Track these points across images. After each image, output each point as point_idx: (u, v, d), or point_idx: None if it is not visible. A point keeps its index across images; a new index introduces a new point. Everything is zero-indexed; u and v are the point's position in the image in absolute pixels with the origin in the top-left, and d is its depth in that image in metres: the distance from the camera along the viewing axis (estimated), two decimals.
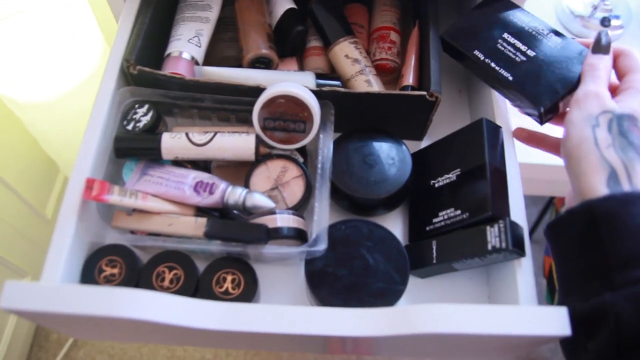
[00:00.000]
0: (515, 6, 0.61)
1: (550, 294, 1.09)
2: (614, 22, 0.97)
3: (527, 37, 0.58)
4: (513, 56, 0.57)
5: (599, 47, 0.52)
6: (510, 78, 0.56)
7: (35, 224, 1.27)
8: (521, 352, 0.53)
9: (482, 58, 0.58)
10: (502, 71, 0.57)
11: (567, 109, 0.53)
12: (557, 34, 0.57)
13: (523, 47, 0.57)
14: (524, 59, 0.57)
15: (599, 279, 0.42)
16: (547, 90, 0.54)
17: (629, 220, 0.41)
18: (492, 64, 0.57)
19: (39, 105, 1.07)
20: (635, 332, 0.38)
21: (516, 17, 0.59)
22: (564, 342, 0.45)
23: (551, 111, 0.54)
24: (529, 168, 0.83)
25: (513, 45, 0.58)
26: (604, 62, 0.51)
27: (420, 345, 0.54)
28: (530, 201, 1.79)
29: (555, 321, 0.44)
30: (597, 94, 0.48)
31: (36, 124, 1.14)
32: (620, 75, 0.52)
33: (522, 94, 0.55)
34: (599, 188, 0.43)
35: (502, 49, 0.58)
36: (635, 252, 0.40)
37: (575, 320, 0.43)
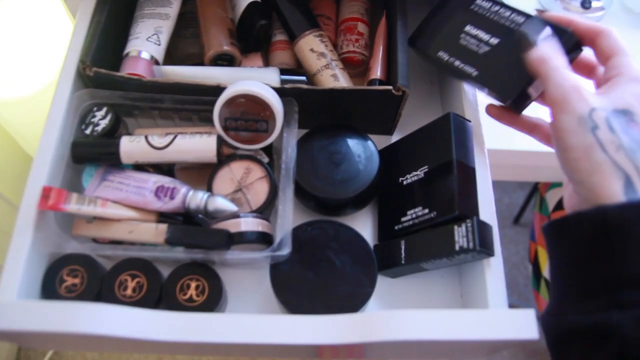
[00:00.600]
0: None
1: (536, 280, 1.09)
2: (594, 4, 0.95)
3: (490, 24, 0.55)
4: (476, 48, 0.55)
5: (524, 42, 0.47)
6: (474, 73, 0.54)
7: (14, 219, 1.25)
8: (497, 351, 0.52)
9: (446, 59, 0.57)
10: (466, 67, 0.55)
11: (537, 93, 0.51)
12: (521, 13, 0.53)
13: (486, 37, 0.55)
14: (487, 49, 0.54)
15: (604, 293, 0.37)
16: (512, 78, 0.51)
17: None
18: (456, 62, 0.56)
19: (14, 102, 1.05)
20: None
21: (479, 5, 0.56)
22: (553, 353, 0.42)
23: (521, 100, 0.52)
24: (512, 155, 0.82)
25: (476, 37, 0.55)
26: (551, 47, 0.46)
27: (411, 347, 0.53)
28: (517, 185, 1.79)
29: (522, 325, 0.44)
30: (576, 89, 0.42)
31: (11, 121, 1.12)
32: (602, 59, 0.47)
33: (488, 87, 0.53)
34: (615, 195, 0.38)
35: (465, 43, 0.56)
36: None
37: (571, 334, 0.39)
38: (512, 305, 0.42)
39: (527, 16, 0.53)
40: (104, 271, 0.53)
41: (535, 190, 1.57)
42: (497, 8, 0.55)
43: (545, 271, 1.07)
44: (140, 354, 1.41)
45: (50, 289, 0.51)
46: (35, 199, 0.50)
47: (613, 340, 0.35)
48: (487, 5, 0.56)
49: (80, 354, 1.41)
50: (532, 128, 0.53)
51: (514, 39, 0.51)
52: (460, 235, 0.49)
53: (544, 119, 0.52)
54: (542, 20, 0.50)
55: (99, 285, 0.52)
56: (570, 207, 0.45)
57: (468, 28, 0.56)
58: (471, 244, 0.48)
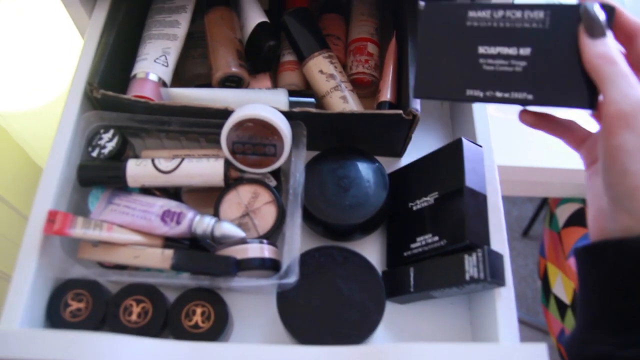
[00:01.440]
0: (463, 8, 0.45)
1: (545, 296, 1.08)
2: None
3: (506, 34, 0.44)
4: (510, 68, 0.44)
5: (595, 26, 0.39)
6: (529, 97, 0.43)
7: (24, 230, 1.25)
8: None
9: (482, 95, 0.44)
10: (514, 94, 0.43)
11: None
12: (536, 7, 0.43)
13: (512, 51, 0.43)
14: (524, 63, 0.43)
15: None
16: (578, 82, 0.41)
17: None
18: (498, 94, 0.44)
19: (24, 114, 1.06)
20: None
21: (475, 18, 0.45)
22: None
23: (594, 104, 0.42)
24: (523, 171, 0.81)
25: (500, 56, 0.44)
26: (614, 47, 0.39)
27: None
28: (526, 197, 1.77)
29: (534, 359, 0.43)
30: None
31: (22, 132, 1.12)
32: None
33: (555, 105, 0.43)
34: None
35: (492, 68, 0.44)
36: None
37: None
38: (520, 320, 0.41)
39: (548, 7, 0.43)
40: (109, 295, 0.53)
41: (545, 204, 1.55)
42: (501, 13, 0.44)
43: (555, 288, 1.06)
44: None
45: (54, 313, 0.51)
46: (41, 222, 0.50)
47: None
48: (485, 14, 0.44)
49: None
50: (563, 131, 0.46)
51: (550, 37, 0.42)
52: (471, 265, 0.48)
53: (576, 120, 0.46)
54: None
55: (104, 310, 0.51)
56: (600, 229, 0.41)
57: (482, 50, 0.44)
58: (482, 274, 0.47)
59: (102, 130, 0.56)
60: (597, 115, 0.44)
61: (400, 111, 0.55)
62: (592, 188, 0.43)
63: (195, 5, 0.65)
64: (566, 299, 1.02)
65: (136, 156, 0.58)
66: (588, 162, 0.45)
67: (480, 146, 0.55)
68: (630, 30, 0.40)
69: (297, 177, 0.54)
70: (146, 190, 0.56)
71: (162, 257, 0.51)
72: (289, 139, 0.54)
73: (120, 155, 0.56)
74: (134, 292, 0.52)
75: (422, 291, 0.51)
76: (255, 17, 0.63)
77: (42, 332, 0.44)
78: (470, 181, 0.51)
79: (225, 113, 0.54)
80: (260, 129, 0.53)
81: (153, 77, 0.59)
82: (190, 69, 0.65)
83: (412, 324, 0.56)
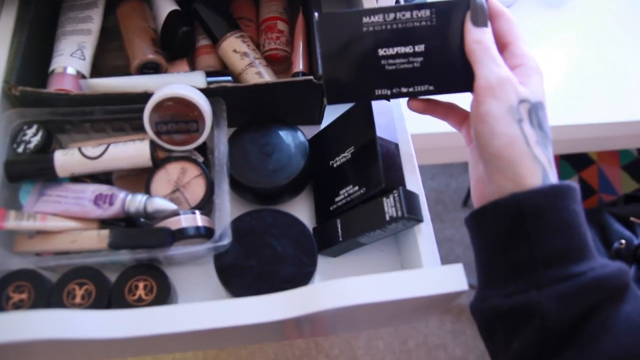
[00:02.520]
0: (356, 15, 0.49)
1: None
2: None
3: (400, 35, 0.49)
4: (409, 65, 0.49)
5: (479, 16, 0.47)
6: (430, 87, 0.50)
7: None
8: (441, 308, 0.55)
9: (389, 92, 0.51)
10: (417, 87, 0.50)
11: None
12: (422, 7, 0.48)
13: (408, 49, 0.49)
14: (421, 59, 0.49)
15: (523, 276, 0.41)
16: (466, 70, 0.47)
17: (556, 216, 0.40)
18: (404, 90, 0.50)
19: None
20: (561, 330, 0.38)
21: (369, 23, 0.48)
22: (483, 336, 0.45)
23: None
24: (440, 137, 0.87)
25: (398, 55, 0.49)
26: (490, 36, 0.46)
27: (360, 317, 0.55)
28: (463, 168, 1.85)
29: (453, 279, 0.47)
30: (510, 80, 0.43)
31: None
32: (501, 43, 0.47)
33: (451, 91, 0.51)
34: (536, 184, 0.41)
35: (394, 67, 0.49)
36: (561, 249, 0.40)
37: (495, 316, 0.42)
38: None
39: (432, 5, 0.48)
40: (50, 284, 0.54)
41: None
42: (392, 16, 0.48)
43: None
44: None
45: None
46: None
47: (535, 317, 0.39)
48: (378, 19, 0.48)
49: None
50: (446, 113, 0.53)
51: (438, 32, 0.48)
52: (389, 205, 0.52)
53: (456, 103, 0.53)
54: None
55: (47, 297, 0.53)
56: (479, 195, 0.48)
57: (382, 52, 0.49)
58: (399, 213, 0.51)
59: (25, 127, 0.57)
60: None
61: (311, 77, 0.59)
62: (472, 161, 0.50)
63: (107, 0, 0.67)
64: None
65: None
66: (468, 140, 0.52)
67: (388, 100, 0.59)
68: (493, 11, 0.48)
69: (221, 149, 0.57)
70: (77, 180, 0.58)
71: (98, 238, 0.53)
72: (209, 114, 0.57)
73: (46, 149, 0.57)
74: (75, 277, 0.54)
75: (349, 239, 0.55)
76: (166, 6, 0.66)
77: None
78: (380, 131, 0.56)
79: (146, 97, 0.57)
80: (180, 107, 0.56)
81: (71, 70, 0.60)
82: (109, 61, 0.67)
83: (346, 273, 0.60)
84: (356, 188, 0.56)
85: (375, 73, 0.50)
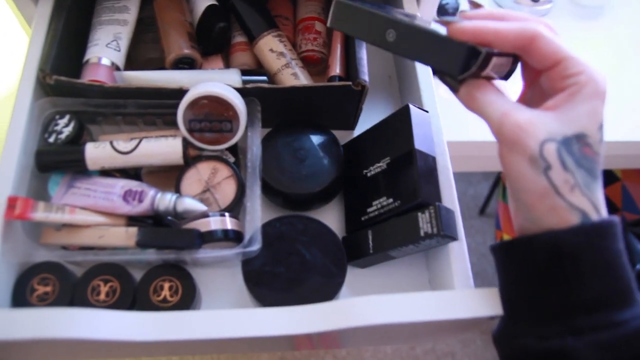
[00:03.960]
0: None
1: None
2: None
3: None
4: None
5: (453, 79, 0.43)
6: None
7: None
8: (468, 330, 0.54)
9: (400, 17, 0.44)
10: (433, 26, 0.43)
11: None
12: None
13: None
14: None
15: (559, 319, 0.38)
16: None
17: (598, 257, 0.37)
18: (417, 22, 0.43)
19: None
20: None
21: None
22: None
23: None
24: (471, 146, 0.85)
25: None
26: (476, 76, 0.41)
27: (381, 334, 0.54)
28: (481, 176, 1.83)
29: (487, 302, 0.46)
30: (519, 125, 0.38)
31: None
32: (543, 66, 0.40)
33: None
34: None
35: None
36: (602, 293, 0.37)
37: (526, 355, 0.40)
38: None
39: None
40: (75, 278, 0.53)
41: (499, 180, 1.61)
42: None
43: None
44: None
45: (21, 298, 0.51)
46: (0, 210, 0.50)
47: None
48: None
49: None
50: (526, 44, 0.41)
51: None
52: (424, 221, 0.51)
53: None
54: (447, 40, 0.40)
55: (72, 291, 0.52)
56: (519, 226, 0.43)
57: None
58: (435, 229, 0.50)
59: (57, 116, 0.56)
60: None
61: (350, 82, 0.57)
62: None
63: None
64: None
65: (94, 141, 0.58)
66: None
67: (427, 111, 0.58)
68: (520, 41, 0.39)
69: (254, 150, 0.56)
70: (106, 173, 0.57)
71: (126, 235, 0.52)
72: (244, 115, 0.56)
73: (77, 140, 0.56)
74: (100, 273, 0.53)
75: (380, 252, 0.54)
76: (203, 0, 0.64)
77: (12, 311, 0.44)
78: (418, 144, 0.54)
79: (180, 93, 0.56)
80: (215, 105, 0.54)
81: (106, 61, 0.59)
82: (143, 53, 0.66)
83: (373, 286, 0.59)
84: (390, 200, 0.54)
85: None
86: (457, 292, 0.47)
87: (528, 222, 0.41)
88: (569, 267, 0.37)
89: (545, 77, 0.40)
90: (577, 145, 0.38)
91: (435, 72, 0.44)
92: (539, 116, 0.38)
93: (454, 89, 0.43)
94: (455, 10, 0.97)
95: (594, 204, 0.38)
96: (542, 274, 0.39)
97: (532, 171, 0.38)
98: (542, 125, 0.38)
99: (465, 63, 0.39)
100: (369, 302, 0.45)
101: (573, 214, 0.38)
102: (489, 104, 0.40)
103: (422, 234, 0.51)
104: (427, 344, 1.54)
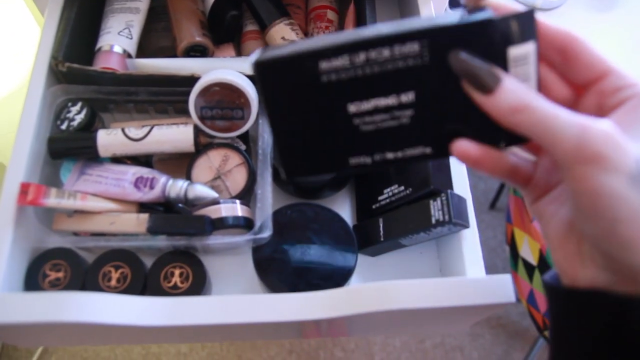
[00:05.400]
0: (308, 58, 0.32)
1: (514, 260, 1.11)
2: None
3: (378, 82, 0.32)
4: (395, 122, 0.33)
5: (483, 80, 0.30)
6: (429, 150, 0.34)
7: None
8: (477, 318, 0.54)
9: (370, 160, 0.35)
10: (411, 151, 0.34)
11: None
12: (409, 37, 0.30)
13: (391, 100, 0.32)
14: (411, 112, 0.33)
15: None
16: (479, 117, 0.31)
17: None
18: (390, 155, 0.34)
19: None
20: None
21: (330, 70, 0.32)
22: None
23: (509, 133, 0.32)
24: None
25: (378, 110, 0.33)
26: (518, 85, 0.30)
27: (390, 322, 0.54)
28: None
29: (499, 289, 0.45)
30: (605, 134, 0.28)
31: None
32: (588, 81, 0.32)
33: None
34: None
35: (372, 127, 0.33)
36: None
37: None
38: None
39: (425, 35, 0.30)
40: (87, 264, 0.54)
41: None
42: (363, 56, 0.31)
43: (522, 251, 1.10)
44: (125, 347, 1.41)
45: (33, 284, 0.52)
46: (13, 196, 0.50)
47: None
48: (342, 62, 0.31)
49: (64, 357, 1.39)
50: (509, 174, 0.34)
51: (435, 72, 0.31)
52: (436, 208, 0.51)
53: (521, 154, 0.35)
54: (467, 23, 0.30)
55: (83, 277, 0.52)
56: (571, 271, 0.32)
57: (353, 108, 0.33)
58: (447, 217, 0.50)
59: (70, 104, 0.56)
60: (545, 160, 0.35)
61: None
62: (551, 222, 0.34)
63: None
64: (533, 260, 1.06)
65: (106, 129, 0.58)
66: (535, 196, 0.35)
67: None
68: (558, 40, 0.32)
69: (266, 138, 0.56)
70: (117, 160, 0.57)
71: (137, 222, 0.52)
72: (255, 102, 0.55)
73: (89, 128, 0.56)
74: (111, 259, 0.53)
75: (391, 239, 0.54)
76: None
77: (25, 295, 0.44)
78: None
79: (192, 80, 0.55)
80: (227, 93, 0.54)
81: (118, 49, 0.59)
82: (155, 42, 0.66)
83: (384, 274, 0.59)
84: (402, 188, 0.54)
85: (348, 136, 0.34)
86: (470, 279, 0.47)
87: (601, 269, 0.31)
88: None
89: (593, 92, 0.33)
90: None
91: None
92: (620, 133, 0.29)
93: (487, 89, 0.30)
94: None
95: None
96: (628, 343, 0.30)
97: (633, 191, 0.27)
98: (628, 141, 0.28)
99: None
100: (378, 288, 0.44)
101: None
102: (548, 114, 0.29)
103: (433, 221, 0.51)
104: (435, 338, 1.54)
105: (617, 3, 1.02)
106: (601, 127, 0.28)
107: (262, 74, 0.33)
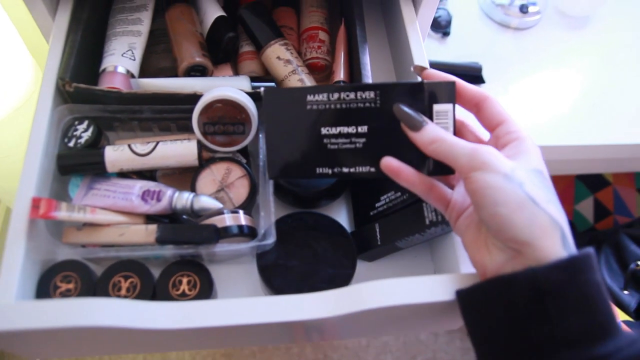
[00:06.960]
0: (301, 92, 0.49)
1: None
2: (531, 8, 1.04)
3: (344, 115, 0.48)
4: (352, 145, 0.48)
5: (413, 122, 0.45)
6: (373, 170, 0.48)
7: None
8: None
9: (330, 172, 0.49)
10: (361, 169, 0.48)
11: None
12: (364, 89, 0.47)
13: (351, 130, 0.48)
14: (364, 140, 0.48)
15: (543, 356, 0.38)
16: (410, 150, 0.45)
17: (578, 292, 0.37)
18: (345, 170, 0.49)
19: None
20: None
21: (313, 102, 0.49)
22: None
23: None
24: None
25: (341, 135, 0.48)
26: (435, 127, 0.44)
27: (380, 323, 0.56)
28: None
29: None
30: (492, 152, 0.40)
31: None
32: (490, 126, 0.45)
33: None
34: (556, 250, 0.38)
35: (336, 147, 0.49)
36: (585, 327, 0.37)
37: None
38: None
39: (379, 88, 0.47)
40: (96, 275, 0.56)
41: None
42: (336, 95, 0.48)
43: None
44: (127, 357, 1.40)
45: (44, 295, 0.53)
46: (25, 210, 0.52)
47: None
48: (322, 97, 0.48)
49: None
50: (427, 190, 0.47)
51: (382, 114, 0.47)
52: (429, 211, 0.54)
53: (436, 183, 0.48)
54: (408, 86, 0.46)
55: (93, 288, 0.54)
56: (481, 262, 0.43)
57: (325, 131, 0.48)
58: (439, 217, 0.53)
59: (76, 122, 0.59)
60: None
61: None
62: (467, 232, 0.46)
63: (155, 4, 0.69)
64: None
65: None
66: (455, 217, 0.47)
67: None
68: (474, 99, 0.46)
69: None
70: (123, 175, 0.59)
71: (146, 232, 0.54)
72: (256, 117, 0.58)
73: (96, 145, 0.59)
74: (121, 269, 0.55)
75: (388, 243, 0.57)
76: (213, 11, 0.68)
77: (40, 302, 0.45)
78: None
79: (194, 98, 0.58)
80: (229, 109, 0.57)
81: (122, 69, 0.62)
82: (155, 63, 0.69)
83: (381, 277, 0.60)
84: (398, 194, 0.57)
85: (318, 151, 0.49)
86: (462, 275, 0.49)
87: (500, 249, 0.41)
88: (551, 304, 0.37)
89: (493, 135, 0.46)
90: (541, 177, 0.41)
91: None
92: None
93: (416, 128, 0.45)
94: (447, 23, 1.01)
95: (566, 223, 0.39)
96: (523, 312, 0.38)
97: (508, 184, 0.39)
98: (509, 160, 0.41)
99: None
100: (379, 284, 0.47)
101: (553, 226, 0.38)
102: (454, 142, 0.42)
103: (427, 222, 0.54)
104: (427, 353, 1.55)
105: (589, 23, 1.08)
106: (486, 148, 0.41)
107: (268, 96, 0.50)
